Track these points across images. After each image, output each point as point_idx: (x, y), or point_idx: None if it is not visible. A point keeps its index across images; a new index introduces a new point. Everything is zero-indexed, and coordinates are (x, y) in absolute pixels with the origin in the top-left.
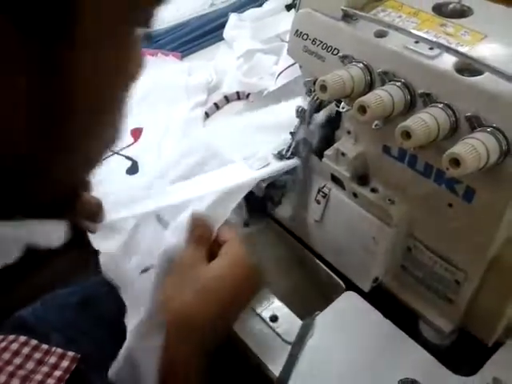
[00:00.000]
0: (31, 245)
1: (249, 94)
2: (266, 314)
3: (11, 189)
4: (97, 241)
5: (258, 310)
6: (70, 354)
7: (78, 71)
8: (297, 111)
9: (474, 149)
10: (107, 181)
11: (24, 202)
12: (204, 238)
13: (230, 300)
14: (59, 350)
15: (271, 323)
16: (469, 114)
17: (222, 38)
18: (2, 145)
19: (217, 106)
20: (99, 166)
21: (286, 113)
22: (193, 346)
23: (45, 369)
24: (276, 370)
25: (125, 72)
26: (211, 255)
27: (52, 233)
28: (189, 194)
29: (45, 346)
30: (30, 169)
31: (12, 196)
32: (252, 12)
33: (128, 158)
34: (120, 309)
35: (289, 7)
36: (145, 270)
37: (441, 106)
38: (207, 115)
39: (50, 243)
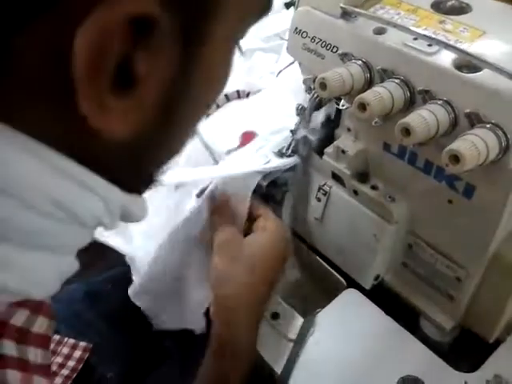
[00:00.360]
0: (128, 215)
1: (249, 93)
2: (268, 312)
3: (126, 163)
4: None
5: None
6: (82, 344)
7: (204, 63)
8: (297, 109)
9: (474, 145)
10: None
11: (133, 174)
12: (238, 215)
13: (274, 272)
14: (71, 341)
15: (272, 320)
16: (468, 110)
17: None
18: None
19: (217, 105)
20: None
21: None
22: (252, 317)
23: (58, 359)
24: (278, 367)
25: (226, 77)
26: (248, 231)
27: (142, 207)
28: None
29: (57, 337)
30: (145, 145)
31: (125, 169)
32: None
33: None
34: (124, 304)
35: (288, 5)
36: (201, 193)
37: (440, 102)
38: (207, 114)
39: (140, 216)
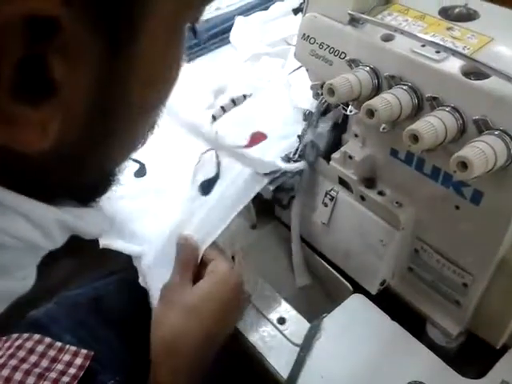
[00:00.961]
0: (75, 231)
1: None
2: (274, 317)
3: (56, 172)
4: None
5: (266, 313)
6: (83, 351)
7: (139, 62)
8: (304, 114)
9: (482, 152)
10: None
11: (69, 185)
12: (189, 261)
13: (217, 318)
14: (72, 348)
15: (279, 325)
16: (476, 117)
17: (229, 42)
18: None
19: (224, 109)
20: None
21: None
22: (181, 375)
23: (59, 366)
24: (284, 372)
25: (177, 68)
26: (199, 276)
27: (95, 222)
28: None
29: (58, 344)
30: (78, 153)
31: (57, 179)
32: (258, 15)
33: (136, 160)
34: (128, 309)
35: (296, 11)
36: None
37: (448, 109)
38: (214, 118)
39: (92, 232)
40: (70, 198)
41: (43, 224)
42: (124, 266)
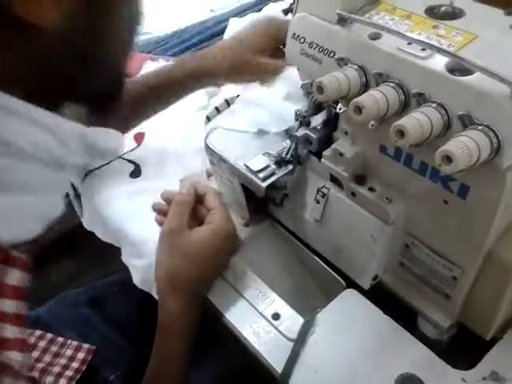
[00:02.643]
0: (94, 146)
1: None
2: (268, 312)
3: (64, 77)
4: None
5: (260, 309)
6: (85, 346)
7: None
8: (296, 114)
9: (465, 146)
10: (111, 184)
11: (78, 89)
12: (185, 203)
13: (209, 262)
14: (74, 343)
15: (273, 321)
16: (461, 112)
17: None
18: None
19: (218, 110)
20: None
21: None
22: (183, 296)
23: (62, 361)
24: (278, 366)
25: None
26: (195, 217)
27: (112, 139)
28: None
29: (60, 339)
30: (76, 53)
31: (67, 84)
32: (251, 17)
33: (131, 161)
34: (128, 308)
35: (286, 11)
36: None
37: (434, 105)
38: (208, 119)
39: (110, 147)
40: (88, 106)
41: (65, 139)
42: (124, 267)
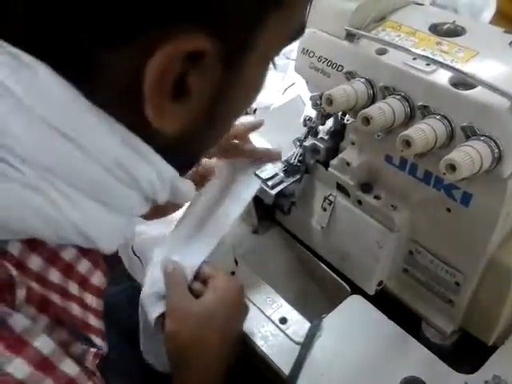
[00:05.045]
0: (175, 192)
1: (256, 109)
2: (276, 317)
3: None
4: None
5: (268, 313)
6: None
7: (243, 81)
8: (304, 121)
9: (468, 155)
10: None
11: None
12: (181, 283)
13: (227, 323)
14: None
15: (281, 325)
16: (464, 124)
17: None
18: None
19: None
20: None
21: None
22: (209, 374)
23: None
24: (286, 369)
25: (260, 87)
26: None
27: (190, 185)
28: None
29: None
30: (192, 141)
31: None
32: None
33: None
34: (135, 316)
35: None
36: None
37: (438, 117)
38: None
39: (188, 194)
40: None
41: (164, 179)
42: (125, 274)
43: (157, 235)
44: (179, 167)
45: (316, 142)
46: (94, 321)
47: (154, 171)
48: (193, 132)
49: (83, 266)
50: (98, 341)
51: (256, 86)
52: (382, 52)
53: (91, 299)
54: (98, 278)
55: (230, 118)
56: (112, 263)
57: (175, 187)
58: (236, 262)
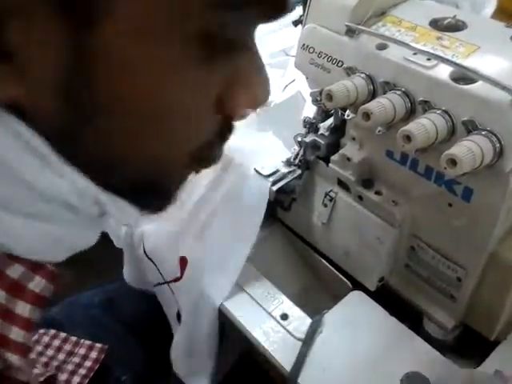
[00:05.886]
0: (102, 206)
1: None
2: (277, 313)
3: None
4: None
5: (269, 309)
6: (98, 345)
7: (103, 53)
8: (304, 120)
9: (469, 150)
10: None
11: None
12: None
13: None
14: (87, 342)
15: (282, 321)
16: (464, 118)
17: None
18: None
19: None
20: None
21: None
22: None
23: (75, 359)
24: (287, 365)
25: (175, 77)
26: None
27: (127, 210)
28: None
29: (73, 338)
30: (71, 131)
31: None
32: (259, 28)
33: None
34: (139, 311)
35: (296, 23)
36: None
37: (439, 112)
38: None
39: (120, 216)
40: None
41: (81, 190)
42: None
43: (167, 234)
44: (118, 183)
45: (316, 138)
46: (17, 334)
47: (66, 181)
48: (67, 123)
49: (14, 270)
50: (14, 359)
51: (141, 68)
52: (382, 47)
53: (23, 308)
54: (37, 284)
55: (116, 98)
56: (110, 261)
57: (103, 208)
58: None
